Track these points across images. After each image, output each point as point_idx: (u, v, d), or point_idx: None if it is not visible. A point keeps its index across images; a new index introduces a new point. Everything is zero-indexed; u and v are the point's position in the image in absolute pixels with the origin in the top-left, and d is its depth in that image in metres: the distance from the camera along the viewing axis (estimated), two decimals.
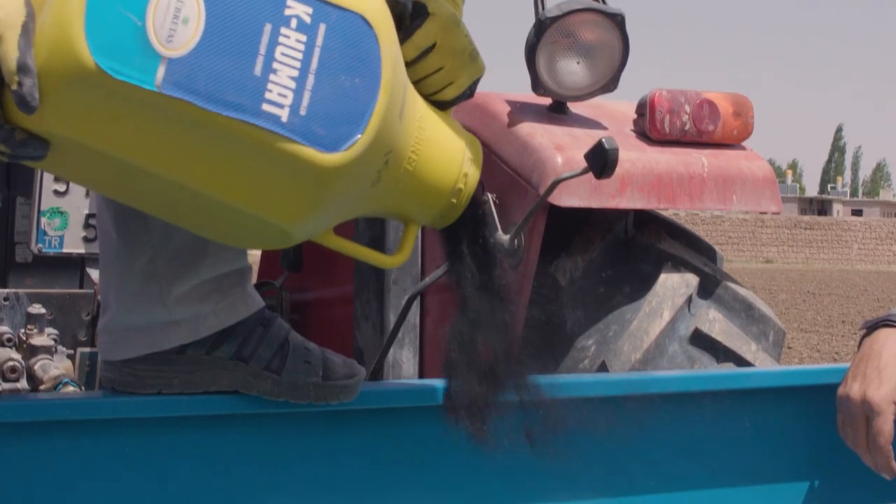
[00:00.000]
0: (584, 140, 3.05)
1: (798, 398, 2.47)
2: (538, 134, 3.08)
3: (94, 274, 3.42)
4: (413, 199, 1.92)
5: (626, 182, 3.06)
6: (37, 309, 3.28)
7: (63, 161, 1.73)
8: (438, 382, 2.15)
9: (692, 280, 3.15)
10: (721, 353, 3.13)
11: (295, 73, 1.68)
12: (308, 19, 1.70)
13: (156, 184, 1.73)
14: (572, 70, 3.11)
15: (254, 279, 2.68)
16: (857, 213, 79.95)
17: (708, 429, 2.38)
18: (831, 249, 53.43)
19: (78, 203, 3.38)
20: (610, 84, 3.15)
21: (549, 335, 3.13)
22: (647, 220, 3.31)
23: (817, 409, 2.45)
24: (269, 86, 1.66)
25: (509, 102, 3.24)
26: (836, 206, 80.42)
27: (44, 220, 3.34)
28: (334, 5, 1.72)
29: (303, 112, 1.68)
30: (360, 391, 2.07)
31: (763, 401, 2.45)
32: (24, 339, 3.25)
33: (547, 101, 3.21)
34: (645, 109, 3.24)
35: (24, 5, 1.60)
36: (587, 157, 2.55)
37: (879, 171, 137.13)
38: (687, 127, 3.24)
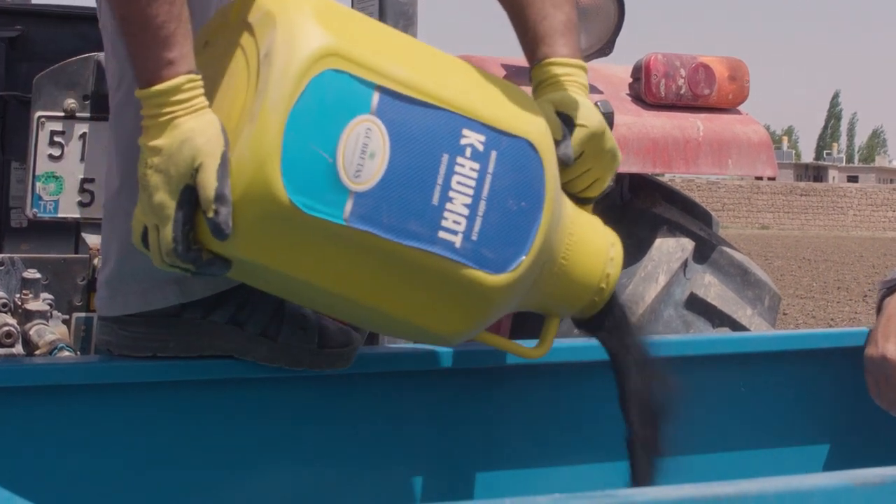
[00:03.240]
0: None
1: (795, 363, 2.47)
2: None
3: (89, 239, 3.41)
4: (557, 298, 1.99)
5: (621, 146, 3.02)
6: (32, 274, 3.27)
7: (244, 273, 1.82)
8: (434, 348, 2.15)
9: (688, 244, 3.15)
10: (716, 317, 3.13)
11: (468, 201, 1.76)
12: (481, 147, 1.77)
13: (331, 299, 1.83)
14: None
15: None
16: (853, 179, 79.87)
17: (705, 394, 2.38)
18: (827, 216, 53.43)
19: (73, 168, 3.37)
20: (605, 48, 3.14)
21: None
22: (642, 185, 3.31)
23: (814, 373, 2.45)
24: (445, 213, 1.76)
25: (505, 66, 3.23)
26: (832, 173, 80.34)
27: (39, 184, 3.32)
28: (504, 132, 1.79)
29: (474, 238, 1.77)
30: (355, 357, 2.07)
31: (760, 365, 2.45)
32: (20, 304, 3.24)
33: None
34: (640, 73, 3.23)
35: (221, 133, 1.69)
36: None
37: (875, 138, 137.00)
38: (682, 91, 3.24)
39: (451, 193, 1.75)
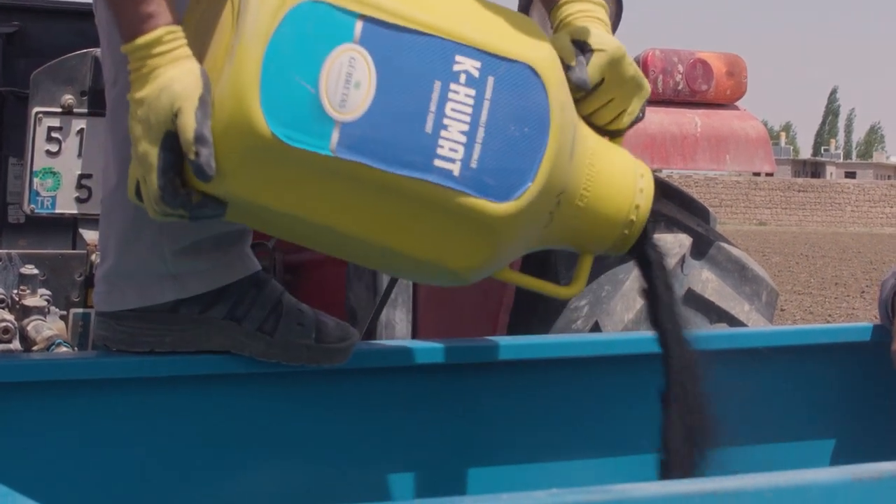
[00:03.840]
0: None
1: (794, 358, 2.47)
2: None
3: (86, 234, 3.41)
4: (585, 233, 1.94)
5: None
6: (29, 270, 3.27)
7: (240, 215, 1.79)
8: (431, 343, 2.15)
9: (685, 240, 3.15)
10: (714, 313, 3.13)
11: (465, 128, 1.72)
12: (477, 73, 1.73)
13: (332, 236, 1.79)
14: None
15: None
16: (851, 175, 79.90)
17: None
18: (824, 212, 53.45)
19: (71, 164, 3.38)
20: None
21: (542, 296, 3.13)
22: None
23: (813, 368, 2.45)
24: (441, 142, 1.71)
25: None
26: (830, 169, 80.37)
27: (36, 180, 3.33)
28: (502, 57, 1.75)
29: (474, 165, 1.72)
30: (352, 352, 2.07)
31: (759, 361, 2.45)
32: (17, 300, 3.24)
33: None
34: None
35: (201, 77, 1.70)
36: None
37: (873, 134, 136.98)
38: (680, 87, 3.23)
39: (445, 121, 1.71)
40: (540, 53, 1.79)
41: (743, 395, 2.43)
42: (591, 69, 1.92)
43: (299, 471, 2.14)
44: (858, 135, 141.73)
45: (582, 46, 1.94)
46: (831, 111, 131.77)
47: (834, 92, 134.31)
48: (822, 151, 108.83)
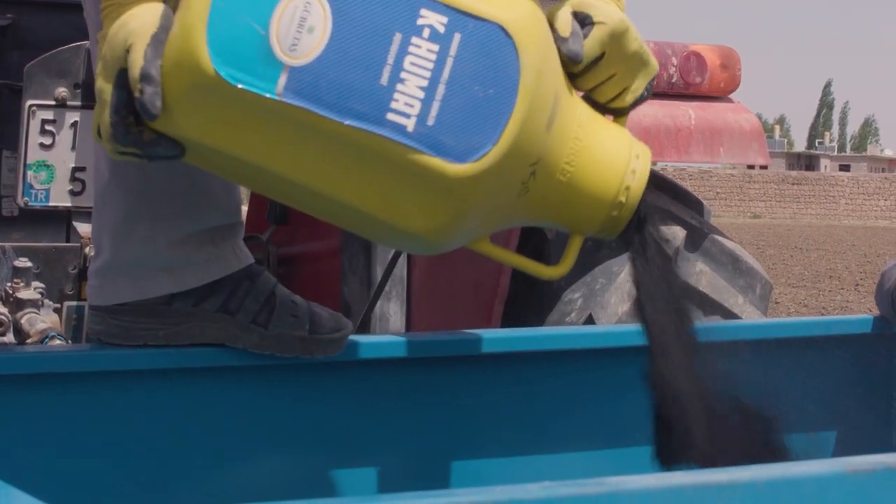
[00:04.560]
0: None
1: (789, 351, 2.47)
2: None
3: (80, 227, 3.41)
4: (571, 210, 1.85)
5: None
6: (23, 263, 3.27)
7: (197, 158, 1.76)
8: (425, 335, 2.15)
9: (679, 233, 3.15)
10: (708, 305, 3.13)
11: (424, 83, 1.65)
12: (442, 29, 1.67)
13: (287, 186, 1.75)
14: None
15: None
16: (845, 168, 79.93)
17: None
18: (819, 205, 53.45)
19: (64, 156, 3.37)
20: None
21: (536, 289, 3.13)
22: None
23: (808, 361, 2.46)
24: (396, 95, 1.64)
25: None
26: (824, 162, 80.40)
27: (30, 173, 3.33)
28: (471, 15, 1.68)
29: (430, 122, 1.65)
30: (346, 344, 2.07)
31: (754, 352, 2.45)
32: (11, 293, 3.24)
33: None
34: None
35: (161, 15, 1.67)
36: None
37: (867, 127, 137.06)
38: (674, 79, 3.24)
39: (403, 74, 1.64)
40: (514, 14, 1.71)
41: (736, 387, 2.44)
42: (590, 42, 1.85)
43: (293, 462, 2.14)
44: (853, 128, 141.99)
45: (583, 19, 1.86)
46: (826, 104, 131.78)
47: (828, 85, 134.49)
48: (817, 144, 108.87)
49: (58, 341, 3.04)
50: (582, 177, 1.82)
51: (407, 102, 1.64)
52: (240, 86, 1.62)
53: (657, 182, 3.32)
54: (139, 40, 1.65)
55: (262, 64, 1.63)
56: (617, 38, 1.88)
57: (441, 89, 1.65)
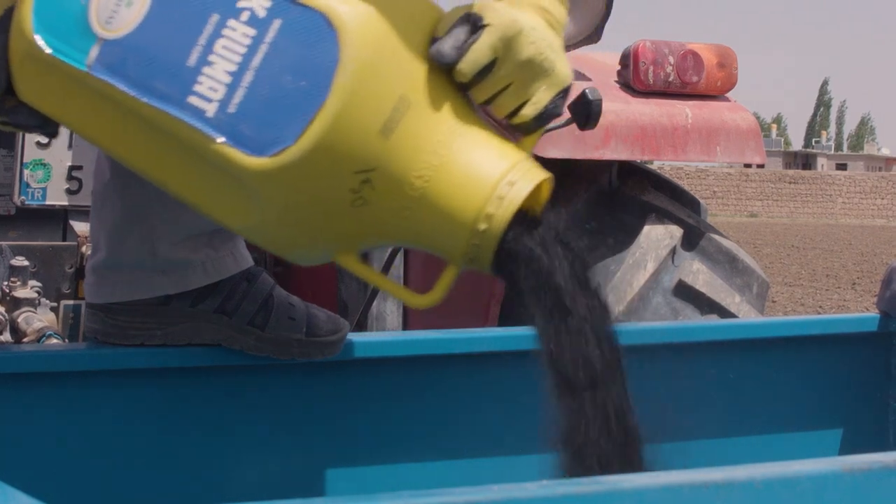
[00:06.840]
0: None
1: (786, 350, 2.47)
2: None
3: (77, 226, 3.41)
4: (428, 231, 1.69)
5: (609, 133, 3.06)
6: (20, 261, 3.27)
7: (68, 125, 1.74)
8: (422, 334, 2.15)
9: (676, 232, 3.16)
10: (705, 304, 3.14)
11: (233, 68, 1.57)
12: (263, 13, 1.58)
13: (122, 160, 1.73)
14: None
15: None
16: (842, 167, 79.93)
17: (695, 381, 2.38)
18: (816, 203, 53.47)
19: (61, 155, 3.38)
20: (593, 36, 3.14)
21: None
22: (631, 172, 3.31)
23: (805, 360, 2.46)
24: (201, 78, 1.56)
25: None
26: (821, 161, 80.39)
27: (27, 172, 3.33)
28: (297, 2, 1.59)
29: (232, 109, 1.56)
30: (343, 344, 2.07)
31: (751, 351, 2.45)
32: (8, 291, 3.24)
33: None
34: (629, 60, 3.24)
35: None
36: (571, 108, 2.53)
37: (864, 126, 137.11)
38: (671, 78, 3.24)
39: (211, 57, 1.57)
40: (346, 6, 1.59)
41: (733, 387, 2.44)
42: (479, 47, 1.65)
43: (289, 463, 2.14)
44: (850, 126, 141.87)
45: (475, 21, 1.67)
46: (822, 103, 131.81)
47: (825, 83, 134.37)
48: (814, 143, 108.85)
49: (54, 340, 3.04)
50: (435, 195, 1.65)
51: (211, 87, 1.57)
52: (51, 52, 1.60)
53: (654, 182, 3.33)
54: None
55: (78, 35, 1.60)
56: (508, 42, 1.68)
57: (249, 76, 1.57)
